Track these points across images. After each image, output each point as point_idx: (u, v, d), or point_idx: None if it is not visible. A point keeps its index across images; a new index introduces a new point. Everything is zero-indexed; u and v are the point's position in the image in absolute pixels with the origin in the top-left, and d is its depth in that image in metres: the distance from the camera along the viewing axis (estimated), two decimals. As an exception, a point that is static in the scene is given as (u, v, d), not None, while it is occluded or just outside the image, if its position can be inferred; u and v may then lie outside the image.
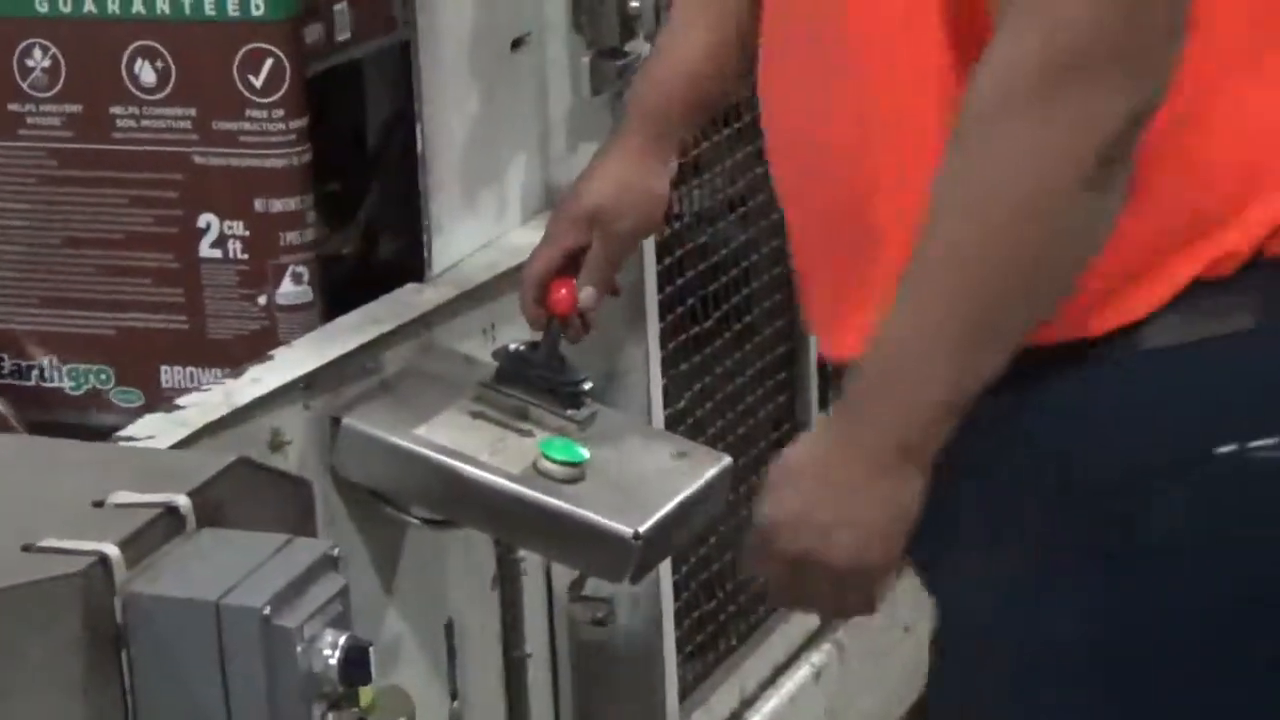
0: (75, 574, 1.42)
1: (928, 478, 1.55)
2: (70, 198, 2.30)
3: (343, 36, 2.27)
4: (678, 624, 2.59)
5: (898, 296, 1.56)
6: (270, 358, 2.07)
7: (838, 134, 1.69)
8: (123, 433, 1.92)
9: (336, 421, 2.05)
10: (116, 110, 2.25)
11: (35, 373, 2.35)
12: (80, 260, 2.31)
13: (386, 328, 2.15)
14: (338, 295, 2.24)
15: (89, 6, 2.26)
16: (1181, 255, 1.55)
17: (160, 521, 1.47)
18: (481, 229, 2.39)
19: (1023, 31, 1.48)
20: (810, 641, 2.97)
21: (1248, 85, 1.58)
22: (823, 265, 1.78)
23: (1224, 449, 1.55)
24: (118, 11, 2.21)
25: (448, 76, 2.33)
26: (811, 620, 2.89)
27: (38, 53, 2.29)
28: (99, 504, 1.51)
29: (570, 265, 2.07)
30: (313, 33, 2.21)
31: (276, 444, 1.95)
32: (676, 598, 2.56)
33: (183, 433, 1.88)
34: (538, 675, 2.44)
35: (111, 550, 1.43)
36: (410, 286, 2.24)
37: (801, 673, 2.93)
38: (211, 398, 1.98)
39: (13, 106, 2.28)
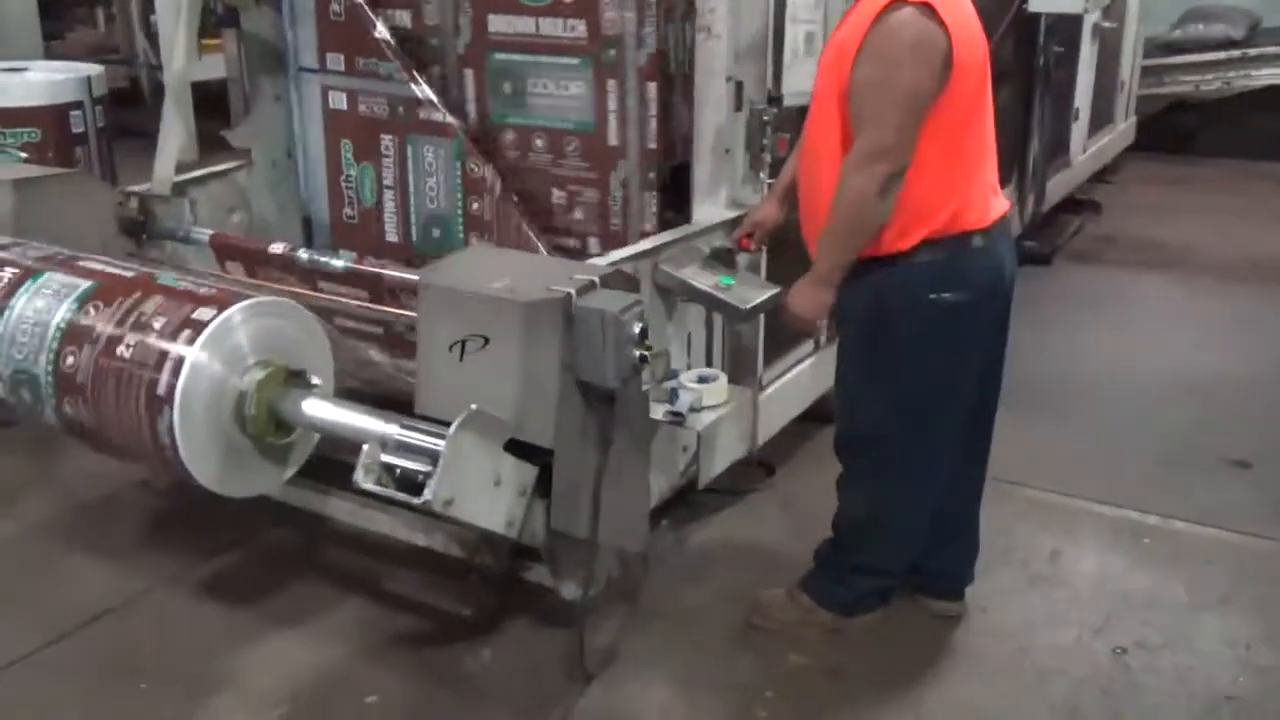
0: (560, 298, 2.28)
1: (835, 292, 2.50)
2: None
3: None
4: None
5: (822, 236, 2.49)
6: (636, 245, 3.12)
7: (811, 183, 2.59)
8: (587, 262, 2.91)
9: (655, 265, 3.05)
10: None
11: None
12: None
13: (672, 237, 3.17)
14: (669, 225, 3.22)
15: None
16: (922, 226, 2.45)
17: (589, 285, 2.31)
18: (714, 209, 3.30)
19: (858, 144, 2.36)
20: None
21: (938, 170, 2.41)
22: (807, 224, 2.65)
23: (932, 296, 2.49)
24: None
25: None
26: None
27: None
28: (570, 278, 2.34)
29: (751, 232, 2.98)
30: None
31: (634, 270, 2.82)
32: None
33: (607, 260, 2.89)
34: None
35: (571, 291, 2.27)
36: (685, 226, 3.25)
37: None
38: (620, 253, 3.01)
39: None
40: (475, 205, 3.49)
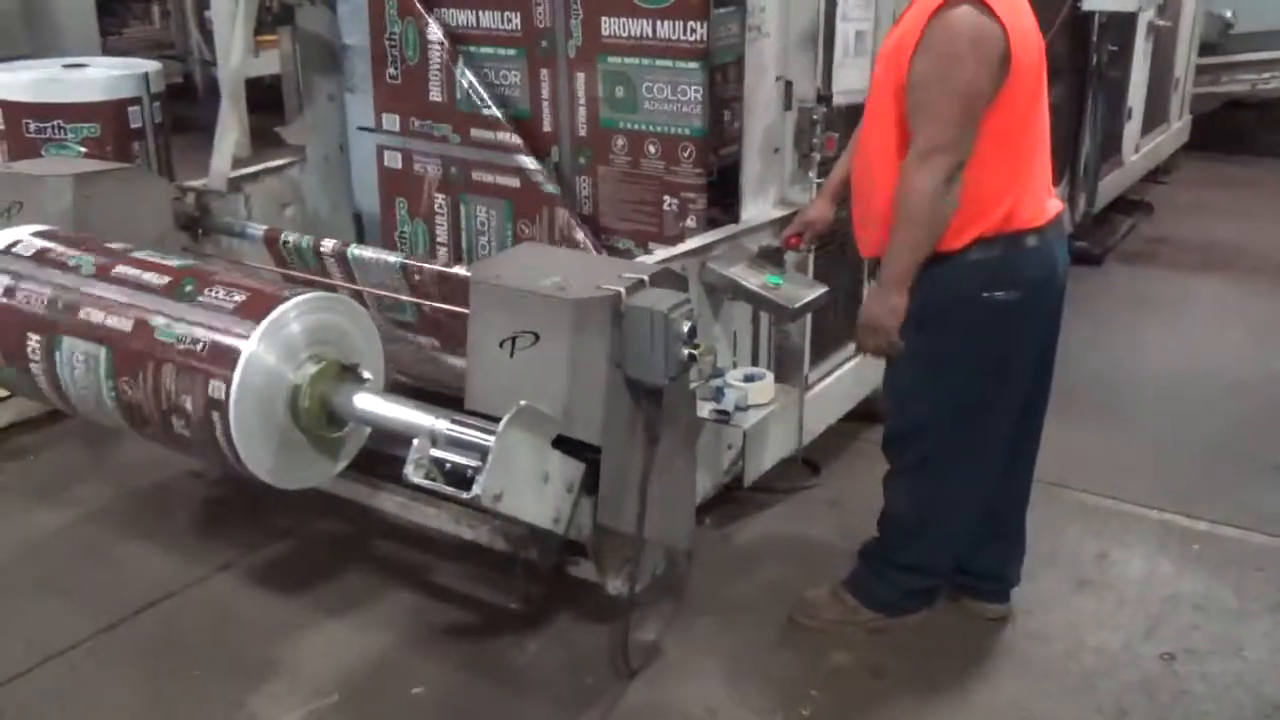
0: (610, 296, 2.28)
1: (908, 296, 2.45)
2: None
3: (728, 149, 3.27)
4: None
5: (891, 240, 2.44)
6: (684, 242, 3.12)
7: (865, 179, 2.61)
8: (636, 260, 2.92)
9: (703, 264, 3.02)
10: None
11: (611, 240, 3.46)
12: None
13: (720, 236, 3.13)
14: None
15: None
16: (975, 224, 2.44)
17: (638, 284, 2.33)
18: (762, 208, 3.29)
19: (916, 141, 2.36)
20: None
21: (994, 168, 2.40)
22: (859, 221, 2.68)
23: (985, 294, 2.49)
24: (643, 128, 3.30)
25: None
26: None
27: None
28: (620, 276, 2.29)
29: (800, 231, 2.99)
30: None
31: (682, 269, 2.75)
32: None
33: (656, 259, 2.87)
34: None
35: (621, 289, 2.29)
36: (733, 225, 3.21)
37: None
38: (668, 252, 3.00)
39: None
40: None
